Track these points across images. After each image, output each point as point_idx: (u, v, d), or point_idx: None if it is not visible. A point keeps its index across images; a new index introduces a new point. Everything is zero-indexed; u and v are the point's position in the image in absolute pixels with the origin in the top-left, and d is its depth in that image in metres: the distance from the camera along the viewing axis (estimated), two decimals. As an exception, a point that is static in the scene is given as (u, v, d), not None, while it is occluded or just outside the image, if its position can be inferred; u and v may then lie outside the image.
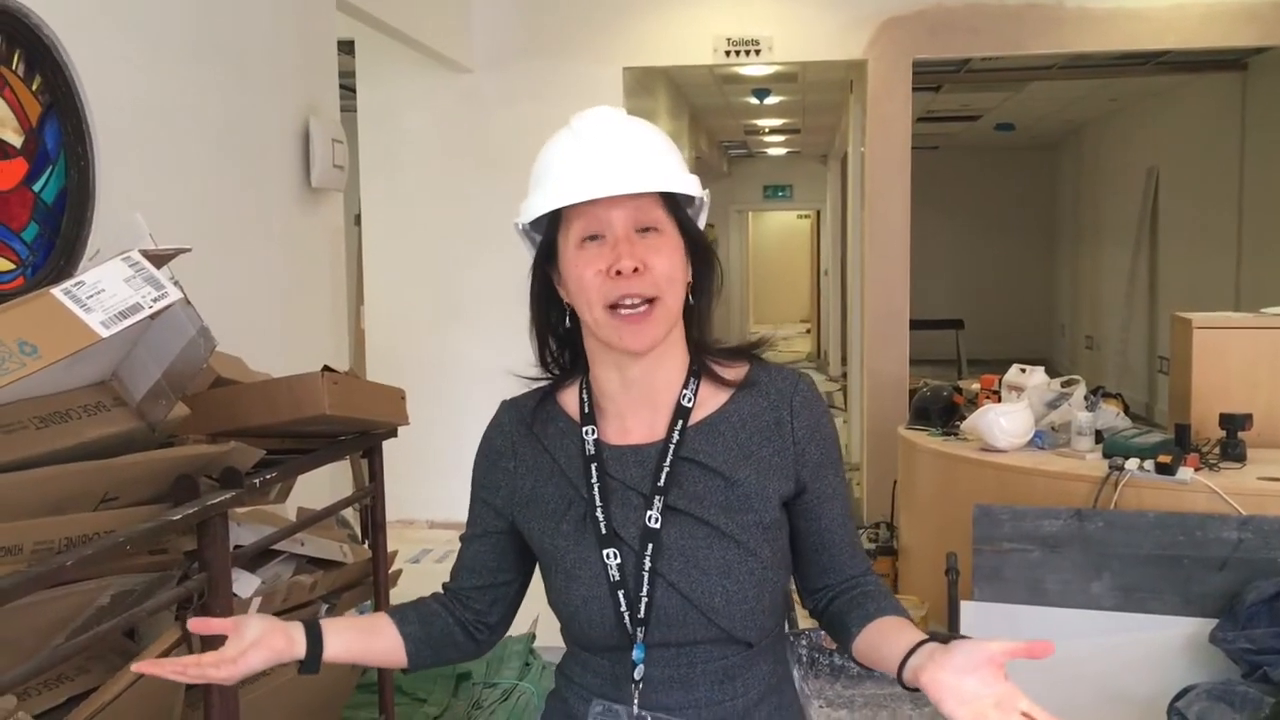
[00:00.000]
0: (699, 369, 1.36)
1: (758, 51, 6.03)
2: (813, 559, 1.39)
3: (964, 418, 4.18)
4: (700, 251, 1.34)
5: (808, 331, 18.24)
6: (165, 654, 1.87)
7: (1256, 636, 3.02)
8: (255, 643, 1.25)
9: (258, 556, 2.38)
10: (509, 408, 1.44)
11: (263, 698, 2.28)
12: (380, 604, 2.79)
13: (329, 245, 4.05)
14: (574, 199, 1.27)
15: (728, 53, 6.04)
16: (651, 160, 1.30)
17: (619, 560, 1.28)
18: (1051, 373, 4.39)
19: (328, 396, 2.22)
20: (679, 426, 1.32)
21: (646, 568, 1.28)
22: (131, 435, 1.82)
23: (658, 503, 1.29)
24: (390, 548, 2.94)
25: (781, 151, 15.34)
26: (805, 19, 6.06)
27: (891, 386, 6.04)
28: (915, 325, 6.44)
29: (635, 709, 1.29)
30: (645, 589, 1.27)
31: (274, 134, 3.60)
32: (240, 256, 3.34)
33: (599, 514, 1.30)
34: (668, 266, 1.28)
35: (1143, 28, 5.88)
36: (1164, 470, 3.41)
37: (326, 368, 2.32)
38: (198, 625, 1.28)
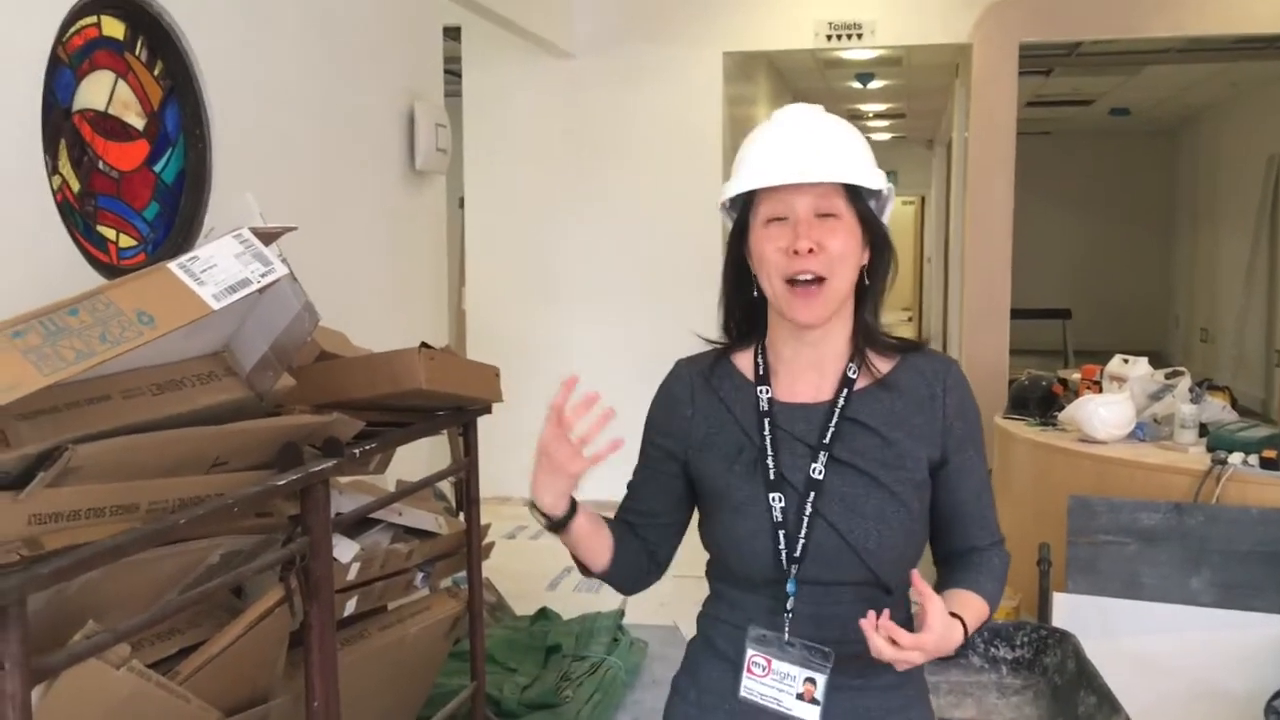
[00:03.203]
0: (864, 349, 1.50)
1: (859, 35, 5.97)
2: (944, 527, 1.52)
3: (1063, 408, 4.12)
4: (877, 240, 1.48)
5: (910, 319, 17.99)
6: (269, 612, 1.98)
7: (1363, 638, 2.93)
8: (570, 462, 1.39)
9: (357, 524, 2.48)
10: (687, 364, 1.58)
11: (360, 660, 2.39)
12: (473, 575, 2.88)
13: (431, 226, 4.15)
14: (758, 184, 1.43)
15: (829, 37, 6.00)
16: (836, 153, 1.44)
17: (782, 504, 1.44)
18: (1165, 365, 4.29)
19: (424, 372, 2.30)
20: (844, 392, 1.48)
21: (808, 511, 1.43)
22: (241, 404, 1.92)
23: (823, 455, 1.44)
24: (488, 523, 3.03)
25: (885, 136, 15.11)
26: (909, 2, 5.98)
27: (991, 375, 5.95)
28: (1021, 314, 6.32)
29: (786, 635, 1.44)
30: (805, 529, 1.43)
31: (380, 118, 3.71)
32: (346, 236, 3.46)
33: (769, 461, 1.45)
34: (841, 248, 1.42)
35: (1264, 9, 5.66)
36: (1269, 465, 3.32)
37: (424, 344, 2.41)
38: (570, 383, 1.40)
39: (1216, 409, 3.88)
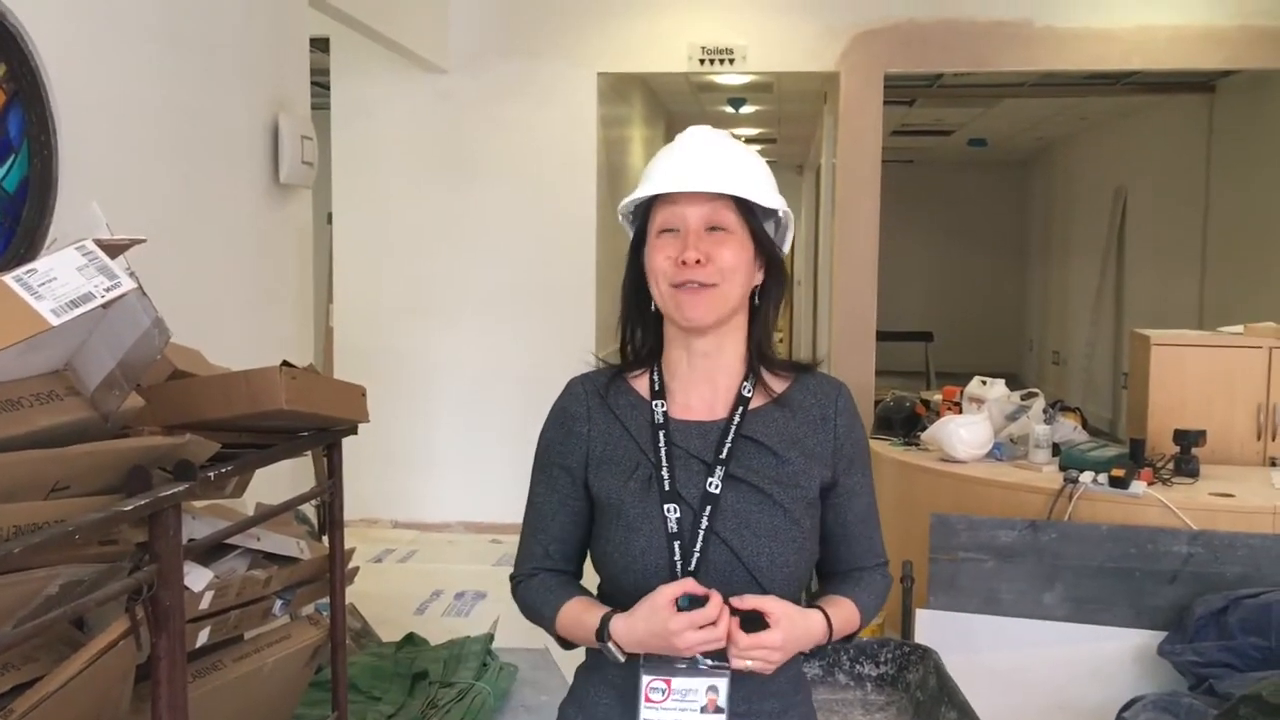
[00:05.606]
0: (757, 367, 1.53)
1: (731, 60, 6.06)
2: (831, 547, 1.56)
3: (925, 428, 4.22)
4: (770, 261, 1.52)
5: (780, 340, 18.31)
6: (113, 645, 1.87)
7: (1204, 649, 3.07)
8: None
9: (213, 550, 2.38)
10: (582, 380, 1.58)
11: (212, 693, 2.28)
12: (336, 601, 2.79)
13: (296, 241, 4.04)
14: (647, 193, 1.48)
15: (702, 61, 6.07)
16: (730, 170, 1.48)
17: (678, 515, 1.45)
18: (1020, 386, 4.45)
19: (285, 391, 2.22)
20: (740, 410, 1.49)
21: (703, 525, 1.44)
22: (84, 425, 1.82)
23: (719, 471, 1.46)
24: (353, 546, 2.94)
25: (757, 161, 15.36)
26: (779, 30, 6.10)
27: (858, 396, 6.05)
28: (885, 337, 6.47)
29: None
30: (699, 544, 1.44)
31: (243, 129, 3.59)
32: (205, 250, 3.34)
33: (663, 474, 1.47)
34: (731, 260, 1.45)
35: (1110, 48, 5.96)
36: (1117, 484, 3.46)
37: (285, 362, 2.33)
38: None
39: (1068, 429, 4.04)
